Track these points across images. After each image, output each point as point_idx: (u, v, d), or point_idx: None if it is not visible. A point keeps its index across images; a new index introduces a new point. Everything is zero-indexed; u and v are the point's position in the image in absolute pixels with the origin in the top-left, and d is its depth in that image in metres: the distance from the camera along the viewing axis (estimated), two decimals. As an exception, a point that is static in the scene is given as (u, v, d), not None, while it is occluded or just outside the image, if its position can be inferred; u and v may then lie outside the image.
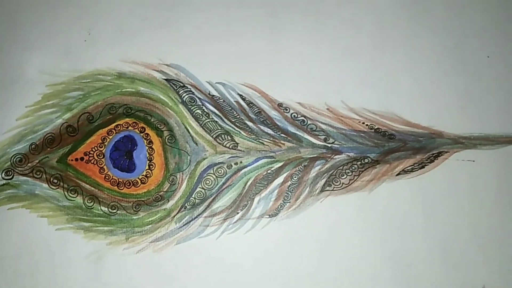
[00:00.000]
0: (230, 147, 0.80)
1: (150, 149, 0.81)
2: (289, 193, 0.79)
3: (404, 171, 0.80)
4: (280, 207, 0.79)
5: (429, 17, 0.82)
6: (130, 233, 0.79)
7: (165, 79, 0.81)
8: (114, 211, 0.80)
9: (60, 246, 0.79)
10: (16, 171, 0.80)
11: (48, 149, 0.81)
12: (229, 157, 0.80)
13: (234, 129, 0.81)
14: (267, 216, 0.79)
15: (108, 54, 0.82)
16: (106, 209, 0.80)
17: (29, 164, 0.80)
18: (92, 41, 0.83)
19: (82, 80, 0.82)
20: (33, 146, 0.81)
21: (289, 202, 0.79)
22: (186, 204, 0.80)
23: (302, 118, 0.81)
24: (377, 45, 0.82)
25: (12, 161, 0.80)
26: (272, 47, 0.82)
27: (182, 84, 0.81)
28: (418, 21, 0.82)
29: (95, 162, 0.81)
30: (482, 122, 0.81)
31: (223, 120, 0.81)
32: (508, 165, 0.80)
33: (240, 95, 0.81)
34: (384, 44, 0.82)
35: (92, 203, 0.80)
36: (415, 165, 0.80)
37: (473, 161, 0.80)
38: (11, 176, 0.81)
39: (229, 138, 0.81)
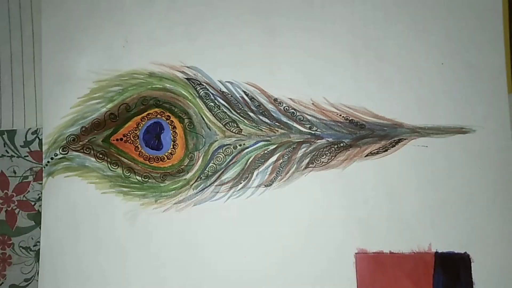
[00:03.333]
0: (236, 132, 0.89)
1: (174, 133, 0.90)
2: (281, 168, 0.88)
3: (371, 153, 0.88)
4: (274, 179, 0.88)
5: (400, 19, 0.86)
6: (158, 196, 0.89)
7: (186, 78, 0.90)
8: (146, 179, 0.89)
9: (105, 206, 0.89)
10: (70, 148, 0.90)
11: (95, 131, 0.90)
12: (235, 140, 0.89)
13: (239, 118, 0.89)
14: (264, 186, 0.88)
15: (141, 57, 0.91)
16: (140, 178, 0.89)
17: (80, 143, 0.90)
18: (129, 47, 0.92)
19: (121, 78, 0.91)
20: (83, 129, 0.90)
21: (281, 176, 0.88)
22: (201, 175, 0.89)
23: (292, 110, 0.88)
24: (354, 50, 0.88)
25: (67, 140, 0.90)
26: (270, 52, 0.89)
27: (199, 82, 0.90)
28: (391, 24, 0.86)
29: (131, 142, 0.90)
30: (434, 115, 0.87)
31: (230, 111, 0.89)
32: (455, 150, 0.87)
33: (244, 92, 0.89)
34: (357, 50, 0.88)
35: (129, 173, 0.90)
36: (380, 149, 0.88)
37: (426, 146, 0.87)
38: (66, 152, 0.90)
39: (235, 125, 0.89)
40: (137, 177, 0.89)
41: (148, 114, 0.90)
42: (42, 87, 0.91)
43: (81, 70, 0.91)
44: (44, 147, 0.89)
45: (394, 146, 0.87)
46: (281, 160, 0.88)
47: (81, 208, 0.88)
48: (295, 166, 0.88)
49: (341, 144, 0.88)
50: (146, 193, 0.89)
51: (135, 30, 0.92)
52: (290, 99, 0.89)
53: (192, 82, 0.90)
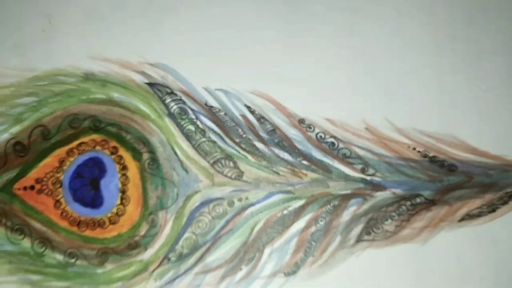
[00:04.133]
0: (233, 177, 0.70)
1: (124, 177, 0.70)
2: (313, 243, 0.69)
3: (469, 216, 0.71)
4: (301, 262, 0.69)
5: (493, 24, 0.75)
6: None
7: (148, 83, 0.71)
8: (73, 261, 0.69)
9: None
10: None
11: None
12: (231, 191, 0.70)
13: (239, 152, 0.70)
14: (282, 275, 0.69)
15: (73, 48, 0.73)
16: (62, 257, 0.69)
17: None
18: (52, 31, 0.74)
19: (37, 83, 0.72)
20: None
21: (313, 256, 0.69)
22: (170, 255, 0.69)
23: (332, 140, 0.70)
24: (430, 47, 0.73)
25: None
26: (291, 44, 0.72)
27: (170, 91, 0.71)
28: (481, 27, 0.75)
29: (49, 193, 0.70)
30: None
31: (223, 140, 0.70)
32: None
33: (248, 107, 0.71)
34: (439, 47, 0.73)
35: (43, 249, 0.69)
36: (484, 207, 0.71)
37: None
38: None
39: (232, 164, 0.70)
40: (57, 256, 0.70)
41: (81, 144, 0.71)
42: None
43: None
44: None
45: (506, 202, 0.71)
46: (314, 228, 0.70)
47: None
48: (339, 238, 0.70)
49: (418, 200, 0.71)
50: (71, 286, 0.69)
51: (62, 3, 0.75)
52: (328, 120, 0.71)
53: (158, 90, 0.71)
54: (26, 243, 0.68)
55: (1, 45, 0.72)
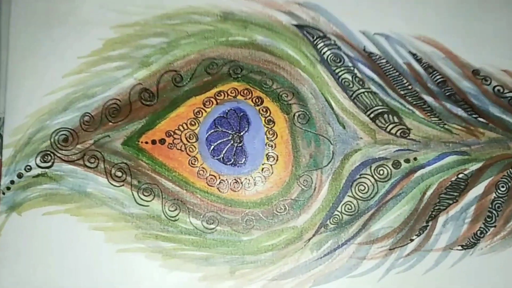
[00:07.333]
0: (398, 134, 0.60)
1: (271, 132, 0.61)
2: (494, 212, 0.60)
3: None
4: (480, 234, 0.60)
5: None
6: (237, 262, 0.59)
7: (296, 25, 0.62)
8: (212, 226, 0.61)
9: (125, 278, 0.59)
10: (59, 155, 0.61)
11: (110, 123, 0.62)
12: (396, 150, 0.60)
13: (404, 105, 0.60)
14: (459, 248, 0.60)
15: None
16: (199, 222, 0.61)
17: (78, 146, 0.61)
18: None
19: (167, 21, 0.63)
20: (86, 118, 0.62)
21: (494, 227, 0.60)
22: (327, 222, 0.60)
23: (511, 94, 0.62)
24: None
25: (53, 140, 0.61)
26: None
27: (322, 34, 0.62)
28: None
29: (183, 148, 0.61)
30: None
31: (385, 92, 0.60)
32: None
33: (414, 55, 0.61)
34: None
35: (176, 212, 0.61)
36: None
37: None
38: (50, 163, 0.61)
39: (396, 119, 0.60)
40: (193, 221, 0.60)
41: (219, 93, 0.61)
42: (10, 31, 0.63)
43: (88, 4, 0.62)
44: (5, 154, 0.63)
45: None
46: (494, 195, 0.60)
47: (77, 283, 0.60)
48: None
49: None
50: (211, 255, 0.60)
51: None
52: (506, 72, 0.60)
53: (309, 33, 0.62)
54: (155, 205, 0.60)
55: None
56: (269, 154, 0.59)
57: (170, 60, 0.61)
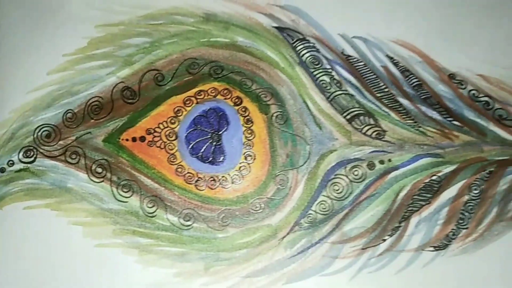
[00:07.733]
0: (373, 135, 0.61)
1: (249, 132, 0.61)
2: (466, 214, 0.60)
3: None
4: (453, 235, 0.60)
5: None
6: (212, 259, 0.60)
7: (276, 27, 0.63)
8: (189, 223, 0.61)
9: (101, 272, 0.60)
10: (41, 150, 0.62)
11: (92, 120, 0.62)
12: (371, 152, 0.61)
13: (380, 108, 0.61)
14: (431, 248, 0.60)
15: None
16: (176, 219, 0.61)
17: (60, 142, 0.62)
18: None
19: (151, 21, 0.63)
20: (69, 114, 0.62)
21: (466, 229, 0.60)
22: (302, 221, 0.60)
23: (486, 98, 0.61)
24: None
25: (36, 136, 0.62)
26: None
27: (301, 37, 0.62)
28: None
29: (162, 146, 0.61)
30: None
31: (362, 94, 0.61)
32: None
33: (391, 58, 0.61)
34: None
35: (154, 208, 0.61)
36: None
37: None
38: (32, 158, 0.62)
39: (372, 121, 0.61)
40: (170, 217, 0.61)
41: (199, 92, 0.62)
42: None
43: (74, 3, 0.64)
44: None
45: None
46: (467, 197, 0.60)
47: (55, 276, 0.60)
48: (496, 210, 0.60)
49: None
50: (187, 251, 0.60)
51: None
52: (481, 76, 0.61)
53: (289, 35, 0.63)
54: (134, 201, 0.60)
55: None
56: (247, 153, 0.60)
57: (153, 60, 0.62)
